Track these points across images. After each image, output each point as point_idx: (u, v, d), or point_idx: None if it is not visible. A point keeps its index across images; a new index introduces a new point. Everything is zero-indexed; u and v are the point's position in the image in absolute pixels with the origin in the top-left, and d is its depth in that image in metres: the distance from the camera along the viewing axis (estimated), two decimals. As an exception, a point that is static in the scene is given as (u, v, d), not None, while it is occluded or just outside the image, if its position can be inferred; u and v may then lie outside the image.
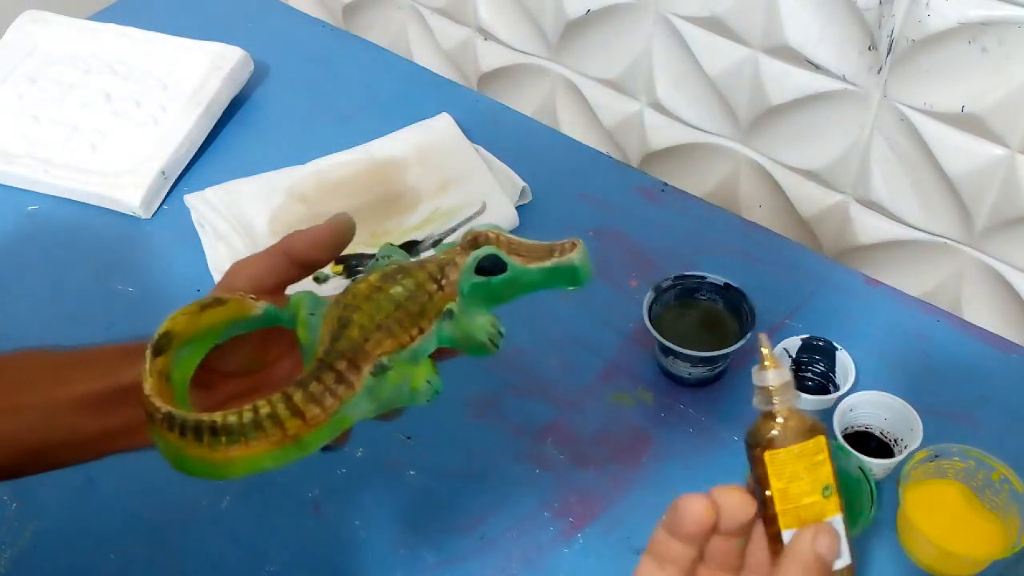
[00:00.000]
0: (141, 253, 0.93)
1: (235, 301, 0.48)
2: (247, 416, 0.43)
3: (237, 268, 0.51)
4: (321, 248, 0.51)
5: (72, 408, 0.49)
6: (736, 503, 0.41)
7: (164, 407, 0.43)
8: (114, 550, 0.72)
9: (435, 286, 0.48)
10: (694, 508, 0.41)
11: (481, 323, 0.48)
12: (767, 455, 0.42)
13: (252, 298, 0.49)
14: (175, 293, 0.88)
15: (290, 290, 0.52)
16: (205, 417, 0.43)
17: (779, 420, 0.42)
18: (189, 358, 0.48)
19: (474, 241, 0.50)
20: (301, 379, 0.45)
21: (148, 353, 0.45)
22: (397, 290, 0.48)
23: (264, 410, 0.43)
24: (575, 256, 0.49)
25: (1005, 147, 0.80)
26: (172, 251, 0.93)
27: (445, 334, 0.48)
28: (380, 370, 0.46)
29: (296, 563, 0.71)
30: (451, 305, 0.48)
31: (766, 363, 0.43)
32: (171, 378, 0.46)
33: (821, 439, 0.42)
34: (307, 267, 0.51)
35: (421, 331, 0.48)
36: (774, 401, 0.43)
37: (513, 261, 0.48)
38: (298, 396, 0.44)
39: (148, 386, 0.44)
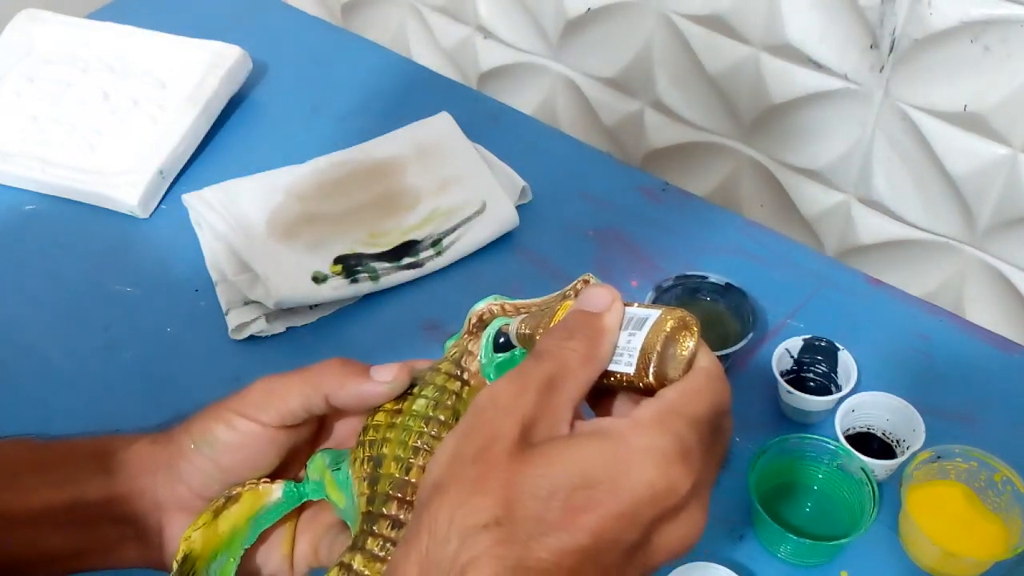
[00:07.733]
0: (139, 253, 0.92)
1: (248, 493, 0.44)
2: None
3: (265, 397, 0.44)
4: (363, 401, 0.44)
5: (30, 521, 0.44)
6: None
7: None
8: None
9: (458, 383, 0.43)
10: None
11: None
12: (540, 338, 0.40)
13: (266, 481, 0.44)
14: (173, 293, 0.88)
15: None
16: None
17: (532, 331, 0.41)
18: (222, 573, 0.43)
19: (480, 322, 0.45)
20: (354, 541, 0.39)
21: None
22: (420, 403, 0.43)
23: None
24: None
25: (1008, 146, 0.80)
26: (170, 251, 0.92)
27: None
28: None
29: None
30: None
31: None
32: None
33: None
34: (337, 413, 0.46)
35: None
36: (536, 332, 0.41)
37: None
38: (358, 561, 0.39)
39: None
